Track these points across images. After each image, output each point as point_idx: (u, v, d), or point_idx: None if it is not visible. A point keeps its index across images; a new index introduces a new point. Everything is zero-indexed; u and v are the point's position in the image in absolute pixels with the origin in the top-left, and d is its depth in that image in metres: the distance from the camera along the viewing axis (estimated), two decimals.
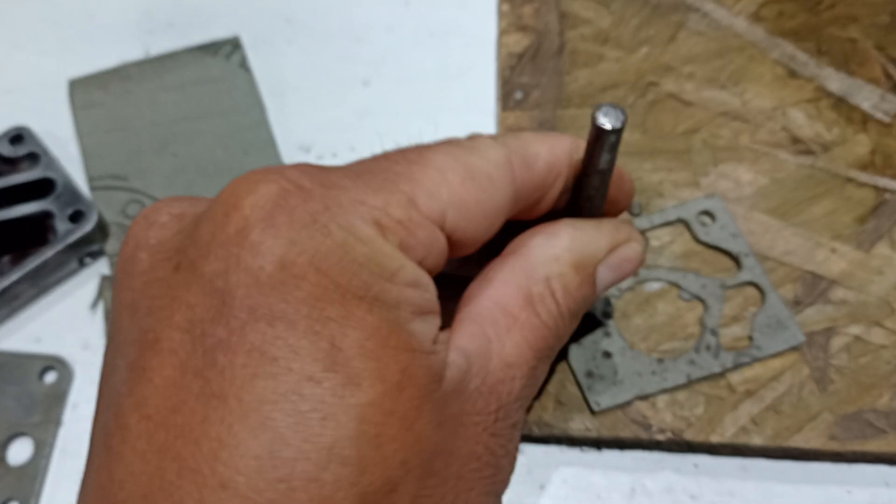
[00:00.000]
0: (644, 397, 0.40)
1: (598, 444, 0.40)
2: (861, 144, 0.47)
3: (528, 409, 0.40)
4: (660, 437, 0.39)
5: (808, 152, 0.47)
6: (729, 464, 0.39)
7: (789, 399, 0.39)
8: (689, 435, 0.39)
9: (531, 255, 0.32)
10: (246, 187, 0.25)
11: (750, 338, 0.41)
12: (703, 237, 0.44)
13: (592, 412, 0.39)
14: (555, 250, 0.32)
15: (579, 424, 0.39)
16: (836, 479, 0.39)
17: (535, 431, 0.39)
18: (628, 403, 0.40)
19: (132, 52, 0.55)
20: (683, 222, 0.45)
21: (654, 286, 0.43)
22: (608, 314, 0.42)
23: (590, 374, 0.40)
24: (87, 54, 0.55)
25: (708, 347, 0.41)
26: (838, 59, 0.50)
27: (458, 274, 0.34)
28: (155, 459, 0.23)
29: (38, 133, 0.50)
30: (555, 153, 0.32)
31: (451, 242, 0.29)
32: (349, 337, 0.24)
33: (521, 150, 0.31)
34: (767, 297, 0.42)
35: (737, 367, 0.40)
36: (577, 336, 0.41)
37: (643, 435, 0.39)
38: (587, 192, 0.33)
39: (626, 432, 0.39)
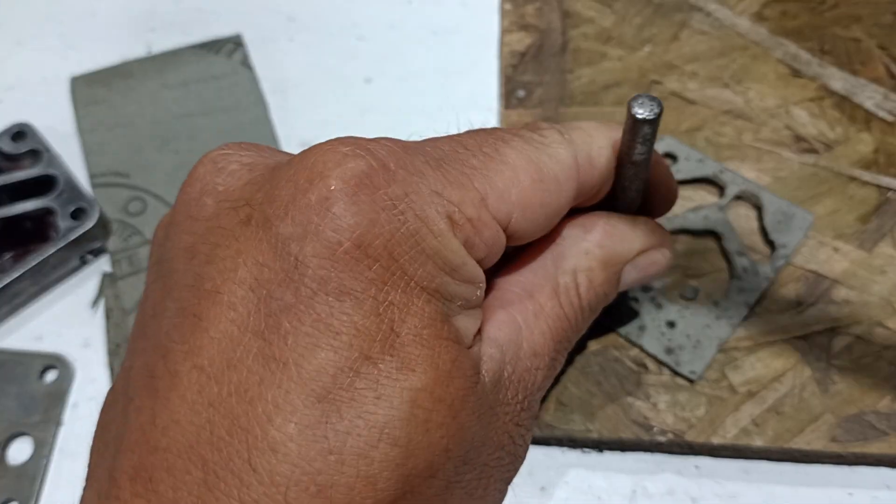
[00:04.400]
0: (723, 345, 0.41)
1: (599, 445, 0.40)
2: (864, 143, 0.47)
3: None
4: (661, 439, 0.39)
5: (812, 151, 0.46)
6: (730, 466, 0.39)
7: (791, 400, 0.39)
8: (691, 436, 0.39)
9: (562, 246, 0.32)
10: (333, 157, 0.25)
11: (771, 242, 0.42)
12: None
13: (691, 382, 0.40)
14: (586, 244, 0.32)
15: (580, 426, 0.39)
16: (837, 482, 0.39)
17: (537, 433, 0.39)
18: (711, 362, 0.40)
19: (134, 49, 0.55)
20: None
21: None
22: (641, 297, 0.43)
23: (669, 351, 0.40)
24: (90, 52, 0.55)
25: (745, 270, 0.42)
26: (841, 58, 0.50)
27: None
28: (205, 412, 0.23)
29: (40, 130, 0.50)
30: (614, 148, 0.32)
31: (509, 238, 0.29)
32: (408, 323, 0.24)
33: (586, 148, 0.31)
34: (763, 199, 0.43)
35: (778, 272, 0.42)
36: (608, 326, 0.42)
37: (644, 436, 0.39)
38: (622, 183, 0.34)
39: (628, 433, 0.39)
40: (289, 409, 0.23)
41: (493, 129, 0.30)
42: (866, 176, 0.45)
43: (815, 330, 0.41)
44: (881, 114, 0.48)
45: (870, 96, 0.48)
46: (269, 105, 0.52)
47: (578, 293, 0.32)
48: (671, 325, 0.41)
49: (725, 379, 0.40)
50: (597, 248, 0.32)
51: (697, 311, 0.41)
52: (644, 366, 0.41)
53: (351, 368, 0.23)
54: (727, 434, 0.39)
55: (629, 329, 0.41)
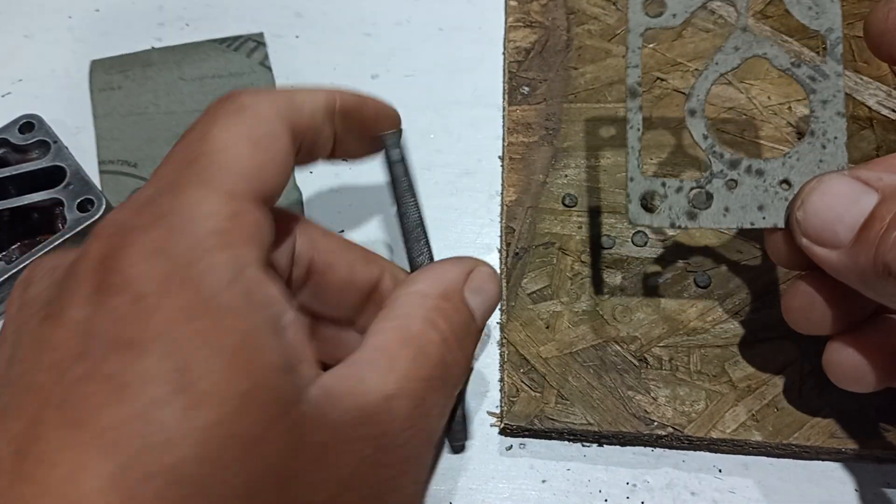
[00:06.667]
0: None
1: (600, 438, 0.40)
2: (866, 141, 0.47)
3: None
4: (661, 433, 0.39)
5: None
6: (729, 460, 0.40)
7: (790, 396, 0.40)
8: (690, 430, 0.39)
9: (400, 303, 0.33)
10: (96, 242, 0.27)
11: (815, 33, 0.38)
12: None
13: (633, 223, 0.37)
14: (420, 291, 0.34)
15: (581, 419, 0.40)
16: (836, 478, 0.39)
17: (538, 425, 0.40)
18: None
19: (144, 44, 0.55)
20: None
21: None
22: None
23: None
24: (99, 45, 0.55)
25: (812, 78, 0.38)
26: (844, 56, 0.50)
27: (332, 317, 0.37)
28: (18, 486, 0.24)
29: (49, 122, 0.50)
30: (316, 98, 0.35)
31: (264, 201, 0.30)
32: (200, 357, 0.25)
33: (288, 101, 0.33)
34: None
35: (842, 61, 0.38)
36: None
37: (644, 430, 0.39)
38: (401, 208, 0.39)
39: (628, 427, 0.39)
40: (88, 466, 0.23)
41: (198, 122, 0.31)
42: None
43: None
44: (883, 112, 0.48)
45: (872, 94, 0.49)
46: None
47: (438, 330, 0.33)
48: (786, 182, 0.37)
49: (725, 374, 0.40)
50: (429, 288, 0.34)
51: (801, 154, 0.37)
52: (644, 360, 0.41)
53: (140, 416, 0.24)
54: (726, 429, 0.39)
55: (749, 217, 0.37)
